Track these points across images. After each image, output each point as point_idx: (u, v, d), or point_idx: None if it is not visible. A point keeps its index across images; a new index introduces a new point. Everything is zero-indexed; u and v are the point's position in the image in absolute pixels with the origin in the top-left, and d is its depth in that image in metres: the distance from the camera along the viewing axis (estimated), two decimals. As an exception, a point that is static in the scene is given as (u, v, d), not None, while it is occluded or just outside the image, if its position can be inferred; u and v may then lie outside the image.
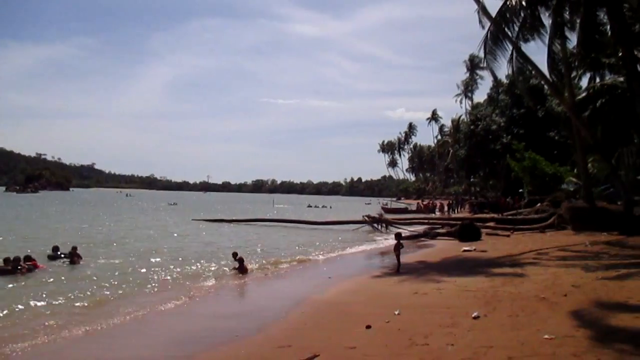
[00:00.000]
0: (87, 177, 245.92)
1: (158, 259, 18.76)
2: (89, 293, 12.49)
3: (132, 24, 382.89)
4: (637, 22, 20.98)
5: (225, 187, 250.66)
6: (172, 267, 16.99)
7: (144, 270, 16.21)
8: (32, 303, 11.19)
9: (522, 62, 23.69)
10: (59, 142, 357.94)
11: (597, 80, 28.33)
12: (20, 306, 10.90)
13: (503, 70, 24.97)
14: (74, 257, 16.97)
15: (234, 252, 18.29)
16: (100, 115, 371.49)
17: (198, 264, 17.65)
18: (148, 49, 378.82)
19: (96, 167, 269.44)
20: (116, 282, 13.98)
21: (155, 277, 15.00)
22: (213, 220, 40.40)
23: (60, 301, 11.54)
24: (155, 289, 13.37)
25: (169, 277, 15.11)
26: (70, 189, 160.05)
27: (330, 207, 77.92)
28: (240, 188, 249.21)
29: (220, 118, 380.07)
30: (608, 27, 23.03)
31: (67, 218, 40.88)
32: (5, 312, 10.41)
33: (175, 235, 29.02)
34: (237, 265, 16.20)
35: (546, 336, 7.02)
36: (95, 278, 14.51)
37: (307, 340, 8.21)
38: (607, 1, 20.08)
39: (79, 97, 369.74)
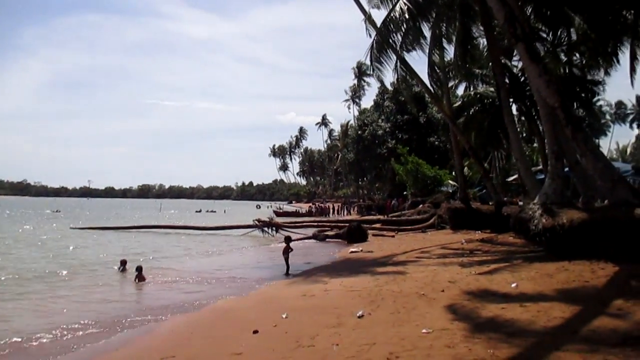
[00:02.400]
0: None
1: (38, 268, 17.40)
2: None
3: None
4: (505, 37, 22.86)
5: (109, 193, 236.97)
6: (56, 275, 16.04)
7: (18, 282, 14.90)
8: None
9: (405, 70, 24.91)
10: None
11: (471, 89, 30.48)
12: None
13: (389, 77, 26.13)
14: None
15: (122, 259, 17.47)
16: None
17: (83, 273, 16.71)
18: (19, 43, 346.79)
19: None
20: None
21: (32, 288, 13.83)
22: (96, 228, 38.03)
23: None
24: (29, 300, 12.30)
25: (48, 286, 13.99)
26: None
27: (225, 212, 76.57)
28: (125, 193, 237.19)
29: (102, 119, 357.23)
30: (481, 40, 25.00)
31: None
32: None
33: (60, 245, 26.81)
34: (125, 271, 15.61)
35: (424, 330, 7.39)
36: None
37: (192, 349, 7.97)
38: (478, 17, 21.75)
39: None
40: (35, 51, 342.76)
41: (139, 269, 15.56)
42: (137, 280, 15.20)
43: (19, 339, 9.03)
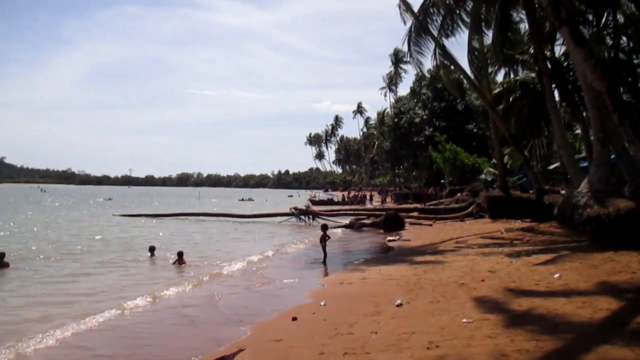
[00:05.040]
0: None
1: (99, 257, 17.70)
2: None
3: (42, 9, 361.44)
4: (547, 21, 22.14)
5: (149, 181, 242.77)
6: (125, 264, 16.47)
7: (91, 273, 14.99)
8: None
9: (444, 57, 24.45)
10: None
11: (512, 75, 29.70)
12: None
13: (426, 64, 25.70)
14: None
15: (151, 246, 17.94)
16: (10, 106, 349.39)
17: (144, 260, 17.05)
18: (61, 36, 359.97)
19: (6, 161, 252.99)
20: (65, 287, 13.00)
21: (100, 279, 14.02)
22: (136, 215, 39.03)
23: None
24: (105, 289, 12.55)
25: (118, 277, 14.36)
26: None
27: (266, 200, 77.10)
28: (165, 182, 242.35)
29: (142, 109, 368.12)
30: (521, 25, 24.29)
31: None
32: None
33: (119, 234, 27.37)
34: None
35: (464, 320, 7.28)
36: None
37: (233, 335, 8.10)
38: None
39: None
40: (77, 44, 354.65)
41: (180, 254, 15.99)
42: (177, 264, 15.78)
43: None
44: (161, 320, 9.45)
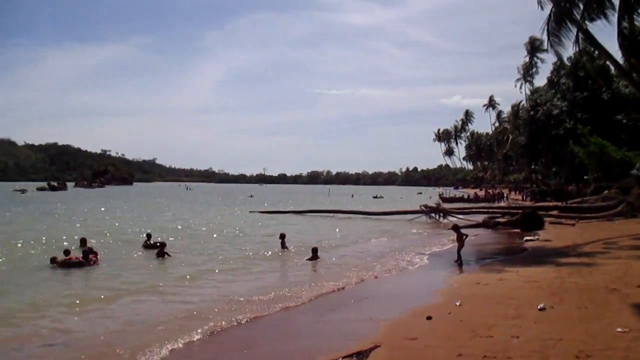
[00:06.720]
0: (149, 171, 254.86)
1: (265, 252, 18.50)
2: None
3: (185, 22, 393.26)
4: None
5: (281, 179, 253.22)
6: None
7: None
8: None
9: (588, 43, 22.53)
10: (122, 139, 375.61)
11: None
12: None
13: (567, 51, 23.86)
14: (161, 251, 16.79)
15: (281, 233, 19.15)
16: (160, 111, 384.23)
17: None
18: (201, 45, 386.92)
19: (157, 161, 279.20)
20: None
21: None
22: (272, 212, 40.81)
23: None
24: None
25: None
26: (133, 183, 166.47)
27: (401, 198, 76.38)
28: (296, 180, 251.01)
29: (273, 110, 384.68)
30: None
31: (150, 211, 42.31)
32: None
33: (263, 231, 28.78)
34: (286, 248, 17.10)
35: (619, 329, 6.68)
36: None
37: (367, 331, 8.18)
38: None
39: (139, 94, 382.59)
40: (214, 51, 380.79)
41: (315, 251, 16.46)
42: (310, 260, 16.17)
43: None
44: (297, 316, 9.81)
